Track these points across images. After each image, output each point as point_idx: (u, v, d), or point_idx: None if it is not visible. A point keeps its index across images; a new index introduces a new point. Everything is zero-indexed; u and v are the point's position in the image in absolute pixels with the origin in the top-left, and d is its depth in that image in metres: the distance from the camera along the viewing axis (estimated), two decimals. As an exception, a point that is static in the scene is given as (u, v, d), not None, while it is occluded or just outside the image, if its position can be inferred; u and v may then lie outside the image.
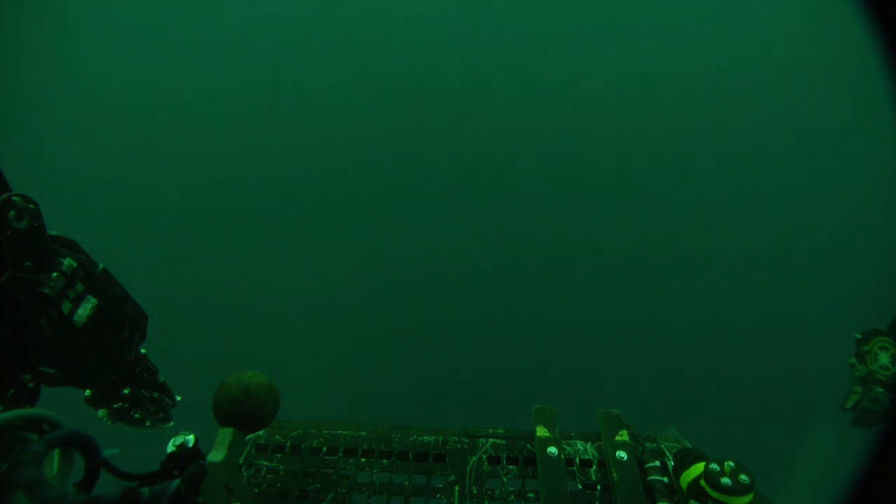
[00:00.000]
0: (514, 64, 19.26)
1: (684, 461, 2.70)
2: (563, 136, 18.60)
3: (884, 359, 3.73)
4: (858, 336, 3.85)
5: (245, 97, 18.76)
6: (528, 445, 3.02)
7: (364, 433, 3.15)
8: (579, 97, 18.80)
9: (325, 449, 3.06)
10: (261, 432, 3.06)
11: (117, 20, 18.10)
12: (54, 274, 2.31)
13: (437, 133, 18.72)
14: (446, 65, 19.33)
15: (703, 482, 2.45)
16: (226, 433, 2.12)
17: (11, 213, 2.12)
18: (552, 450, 2.91)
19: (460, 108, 18.99)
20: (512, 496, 2.75)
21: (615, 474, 2.77)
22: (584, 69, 19.03)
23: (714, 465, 2.42)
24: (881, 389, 3.68)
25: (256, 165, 17.86)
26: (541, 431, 3.03)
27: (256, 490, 2.80)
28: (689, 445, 3.00)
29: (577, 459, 2.91)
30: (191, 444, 1.93)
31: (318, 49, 19.79)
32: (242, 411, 2.14)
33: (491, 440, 3.07)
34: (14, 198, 2.14)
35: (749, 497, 2.35)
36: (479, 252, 16.97)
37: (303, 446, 3.08)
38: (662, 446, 3.00)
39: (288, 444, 3.08)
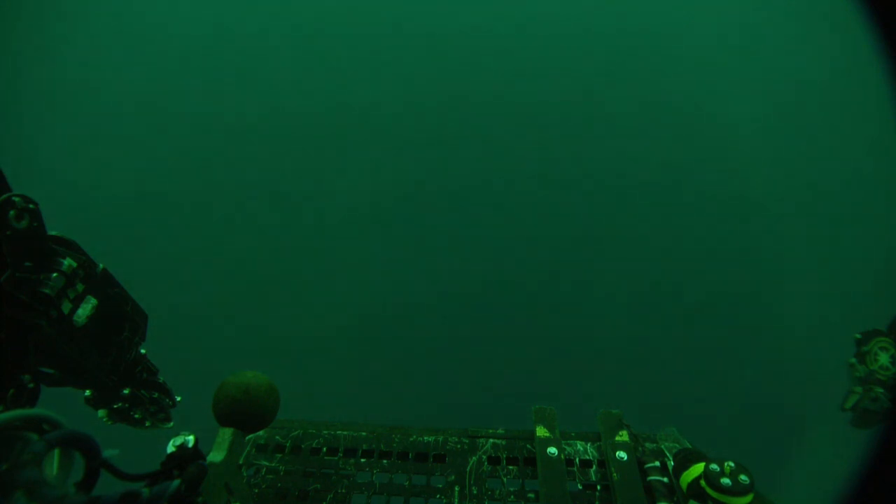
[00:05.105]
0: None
1: (684, 461, 2.71)
2: (562, 139, 18.62)
3: (884, 359, 3.74)
4: (858, 336, 3.86)
5: (247, 96, 18.79)
6: (528, 445, 3.02)
7: (364, 433, 3.15)
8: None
9: (325, 449, 3.06)
10: (261, 432, 3.06)
11: (119, 19, 18.12)
12: (54, 274, 2.31)
13: (439, 141, 18.74)
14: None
15: (703, 482, 2.46)
16: (226, 433, 2.12)
17: (11, 213, 2.12)
18: (552, 450, 2.92)
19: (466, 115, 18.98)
20: (512, 496, 2.75)
21: (615, 474, 2.77)
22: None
23: (714, 466, 2.43)
24: (881, 389, 3.68)
25: (259, 165, 17.87)
26: (541, 431, 3.03)
27: (256, 490, 2.80)
28: (689, 445, 3.00)
29: (577, 459, 2.92)
30: (191, 445, 1.94)
31: (319, 51, 19.82)
32: (242, 411, 2.14)
33: (491, 440, 3.07)
34: (14, 198, 2.15)
35: (749, 497, 2.35)
36: (480, 252, 16.99)
37: (303, 446, 3.08)
38: (662, 446, 3.00)
39: (288, 445, 3.08)
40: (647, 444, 3.00)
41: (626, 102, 18.73)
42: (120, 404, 3.08)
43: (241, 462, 2.51)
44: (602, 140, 18.50)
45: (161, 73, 18.26)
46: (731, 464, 2.42)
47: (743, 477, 2.38)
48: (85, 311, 2.50)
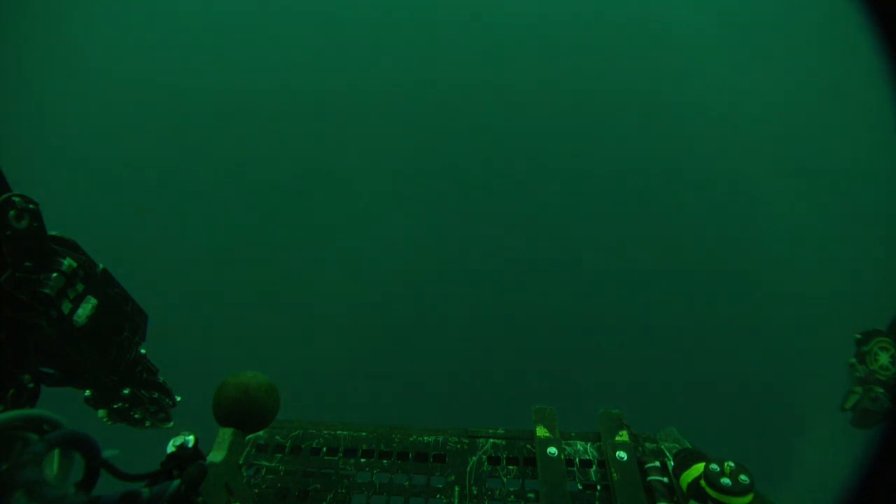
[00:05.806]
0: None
1: (684, 461, 2.71)
2: (560, 137, 18.63)
3: (884, 359, 3.74)
4: (858, 336, 3.85)
5: (249, 95, 18.79)
6: (528, 445, 3.02)
7: (364, 433, 3.15)
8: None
9: (325, 449, 3.06)
10: (261, 432, 3.06)
11: (121, 15, 18.13)
12: (54, 274, 2.31)
13: (430, 136, 18.76)
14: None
15: (703, 482, 2.46)
16: (226, 433, 2.12)
17: (11, 213, 2.12)
18: (552, 450, 2.91)
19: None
20: (512, 496, 2.75)
21: (615, 474, 2.77)
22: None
23: (714, 466, 2.42)
24: (881, 389, 3.68)
25: (260, 164, 17.87)
26: (541, 431, 3.03)
27: (256, 490, 2.80)
28: (689, 445, 3.00)
29: (577, 459, 2.91)
30: (191, 445, 1.93)
31: (317, 49, 19.83)
32: (242, 411, 2.14)
33: (491, 440, 3.07)
34: (14, 198, 2.15)
35: (749, 497, 2.35)
36: (480, 252, 16.98)
37: (303, 446, 3.08)
38: (662, 446, 3.00)
39: (288, 445, 3.08)
40: (647, 444, 3.00)
41: (626, 102, 18.77)
42: (120, 404, 3.08)
43: (241, 462, 2.51)
44: (602, 138, 18.52)
45: (161, 70, 18.26)
46: (731, 464, 2.42)
47: (743, 477, 2.37)
48: (85, 311, 2.50)
